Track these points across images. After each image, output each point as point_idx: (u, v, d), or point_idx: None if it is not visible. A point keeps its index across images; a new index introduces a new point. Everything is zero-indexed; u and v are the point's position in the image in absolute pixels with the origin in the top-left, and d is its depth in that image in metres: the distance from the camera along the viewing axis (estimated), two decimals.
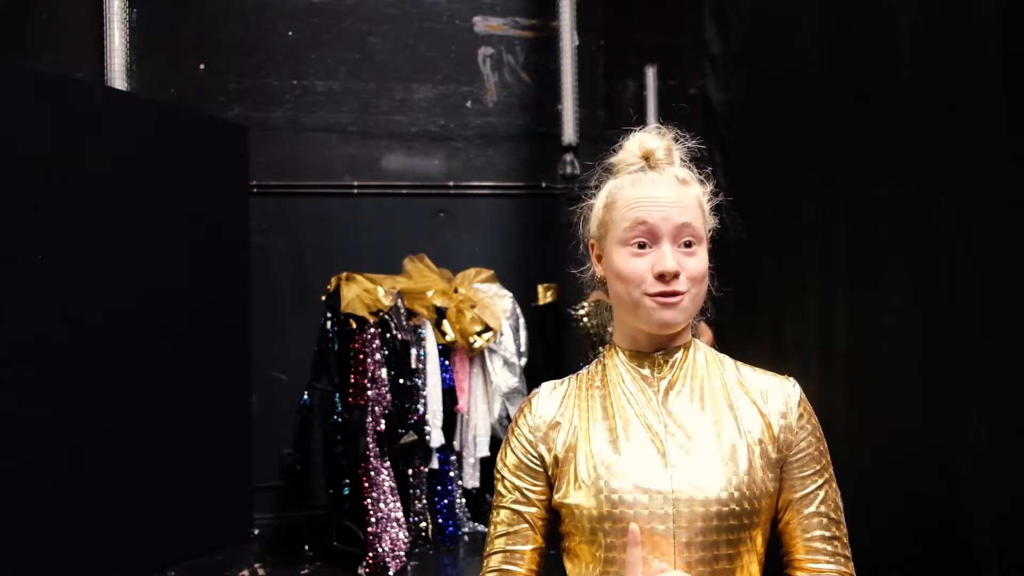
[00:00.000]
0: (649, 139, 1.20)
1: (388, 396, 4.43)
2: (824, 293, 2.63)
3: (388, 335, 4.51)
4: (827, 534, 1.14)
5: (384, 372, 4.43)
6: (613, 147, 1.24)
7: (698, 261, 1.13)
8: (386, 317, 4.52)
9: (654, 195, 1.14)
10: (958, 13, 1.99)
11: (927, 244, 2.12)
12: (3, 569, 3.52)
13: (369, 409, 4.36)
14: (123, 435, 4.08)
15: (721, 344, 3.08)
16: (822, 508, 1.14)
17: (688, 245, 1.13)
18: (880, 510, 2.23)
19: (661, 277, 1.11)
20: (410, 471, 4.69)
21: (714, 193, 1.23)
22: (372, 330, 4.45)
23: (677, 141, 1.22)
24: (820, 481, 1.15)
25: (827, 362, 2.58)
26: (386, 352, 4.47)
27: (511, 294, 5.16)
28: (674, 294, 1.11)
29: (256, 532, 5.03)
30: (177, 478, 4.32)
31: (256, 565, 4.49)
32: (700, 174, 1.22)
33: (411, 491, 4.70)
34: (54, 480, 3.75)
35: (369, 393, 4.38)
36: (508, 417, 4.93)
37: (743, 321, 3.02)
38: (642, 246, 1.13)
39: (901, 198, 2.23)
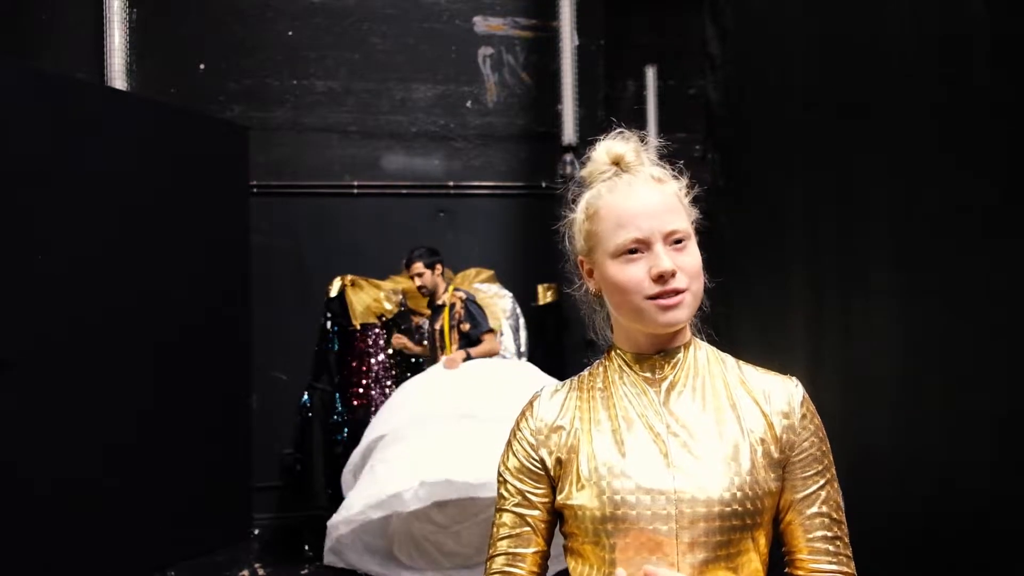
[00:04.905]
0: (615, 144, 1.20)
1: (389, 396, 4.43)
2: (821, 292, 2.63)
3: (388, 337, 4.52)
4: (829, 534, 1.14)
5: (385, 373, 4.43)
6: (582, 159, 1.23)
7: (691, 256, 1.13)
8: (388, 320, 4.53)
9: (635, 200, 1.13)
10: (950, 17, 1.99)
11: (924, 244, 2.12)
12: (3, 569, 3.52)
13: (370, 410, 4.36)
14: (123, 435, 4.07)
15: (716, 342, 3.07)
16: (824, 508, 1.14)
17: (678, 242, 1.13)
18: (874, 510, 2.23)
19: (660, 278, 1.10)
20: None
21: (690, 186, 1.22)
22: (374, 331, 4.45)
23: (643, 141, 1.21)
24: (822, 481, 1.15)
25: (817, 361, 2.59)
26: (388, 353, 4.48)
27: (511, 294, 5.15)
28: (675, 292, 1.11)
29: (256, 532, 5.03)
30: (177, 478, 4.32)
31: (256, 565, 4.49)
32: (673, 169, 1.21)
33: None
34: (54, 480, 3.75)
35: (372, 393, 4.38)
36: None
37: (738, 320, 3.02)
38: (633, 252, 1.12)
39: (899, 198, 2.23)
